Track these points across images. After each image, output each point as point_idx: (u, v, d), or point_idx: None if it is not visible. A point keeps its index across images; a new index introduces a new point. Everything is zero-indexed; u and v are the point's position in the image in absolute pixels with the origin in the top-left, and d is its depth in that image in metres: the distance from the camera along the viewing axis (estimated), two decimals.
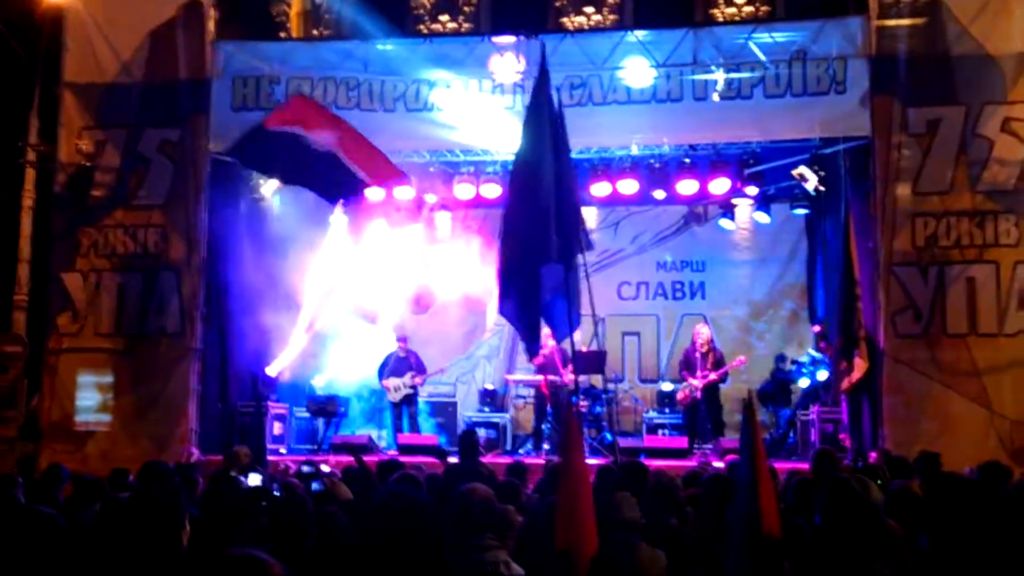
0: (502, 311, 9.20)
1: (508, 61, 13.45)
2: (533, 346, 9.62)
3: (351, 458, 11.89)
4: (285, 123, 11.19)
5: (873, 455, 11.54)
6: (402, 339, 15.35)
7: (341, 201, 13.13)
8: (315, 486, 6.56)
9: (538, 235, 8.66)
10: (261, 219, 15.11)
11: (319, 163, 11.14)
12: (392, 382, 14.92)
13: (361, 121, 13.43)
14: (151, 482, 6.58)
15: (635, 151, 14.67)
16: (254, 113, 13.50)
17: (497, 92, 13.58)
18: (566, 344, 12.95)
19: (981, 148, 12.53)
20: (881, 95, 12.65)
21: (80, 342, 13.62)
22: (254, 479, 8.55)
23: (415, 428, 14.85)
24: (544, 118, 8.98)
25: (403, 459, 11.54)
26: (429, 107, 13.59)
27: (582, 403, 14.58)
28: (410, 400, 14.97)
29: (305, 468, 8.84)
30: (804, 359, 14.92)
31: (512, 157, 14.56)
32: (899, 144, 12.59)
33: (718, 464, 10.96)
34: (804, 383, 14.57)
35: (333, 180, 11.30)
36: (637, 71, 13.27)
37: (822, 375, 14.17)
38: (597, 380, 14.56)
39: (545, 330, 14.20)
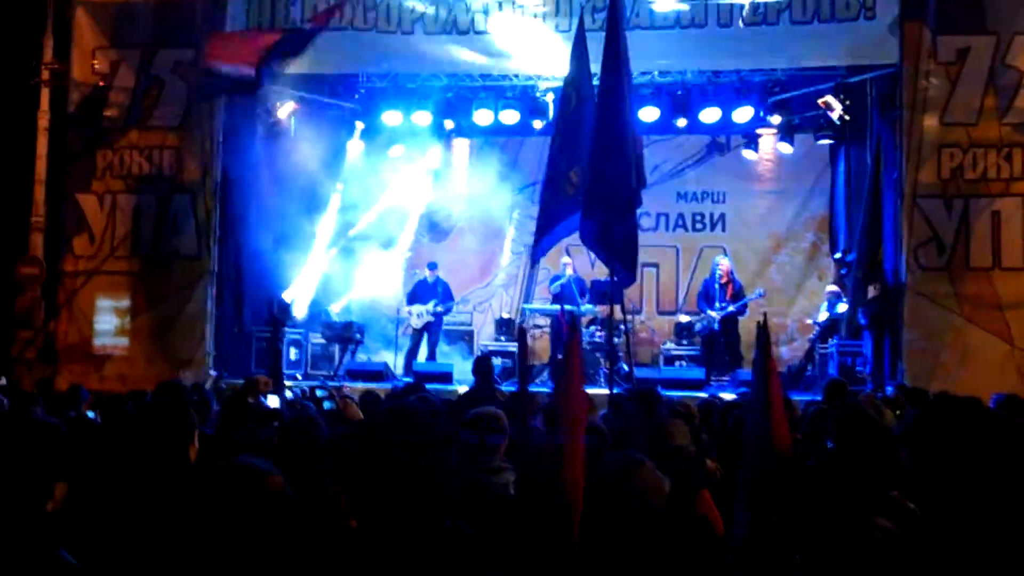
0: (584, 235, 9.02)
1: None
2: (631, 275, 9.42)
3: (366, 385, 12.00)
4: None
5: (890, 389, 11.47)
6: (432, 266, 15.25)
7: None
8: (327, 405, 6.54)
9: (630, 164, 8.59)
10: (277, 142, 14.95)
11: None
12: (415, 308, 14.85)
13: (378, 42, 13.30)
14: (161, 397, 6.57)
15: (657, 78, 14.41)
16: None
17: (519, 12, 13.33)
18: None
19: (1010, 79, 12.27)
20: (911, 21, 12.35)
21: (96, 264, 13.61)
22: (272, 402, 8.57)
23: (433, 356, 14.81)
24: (620, 42, 8.83)
25: None
26: (448, 30, 13.34)
27: (598, 333, 14.57)
28: (430, 328, 14.90)
29: (319, 392, 8.87)
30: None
31: (532, 83, 14.63)
32: (927, 73, 12.33)
33: (727, 396, 10.91)
34: (823, 316, 14.46)
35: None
36: None
37: (842, 308, 14.07)
38: (615, 311, 14.44)
39: (566, 259, 14.31)
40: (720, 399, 9.74)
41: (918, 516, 3.40)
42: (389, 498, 2.89)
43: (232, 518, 2.37)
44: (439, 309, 14.85)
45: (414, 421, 3.05)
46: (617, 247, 8.73)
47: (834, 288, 14.65)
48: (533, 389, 10.31)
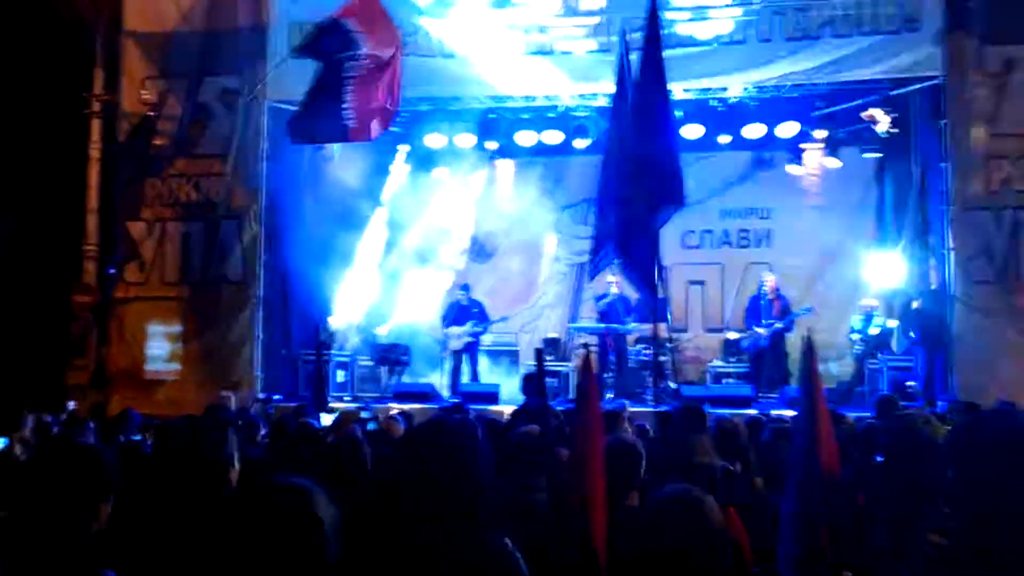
0: (623, 261, 8.87)
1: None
2: (652, 293, 9.20)
3: (413, 406, 12.04)
4: (349, 15, 10.92)
5: (942, 404, 11.29)
6: (465, 288, 15.32)
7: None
8: (371, 426, 6.56)
9: (672, 181, 8.49)
10: (321, 167, 15.07)
11: (333, 86, 10.87)
12: (454, 330, 14.91)
13: (419, 67, 13.40)
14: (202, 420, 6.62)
15: (699, 95, 14.37)
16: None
17: (560, 39, 13.43)
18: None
19: None
20: (956, 32, 12.23)
21: (146, 291, 13.84)
22: (326, 419, 8.64)
23: (475, 377, 14.84)
24: (658, 60, 8.80)
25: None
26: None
27: (645, 351, 14.50)
28: (471, 349, 14.95)
29: (364, 414, 8.92)
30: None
31: (575, 103, 14.64)
32: (974, 83, 12.19)
33: (782, 412, 10.79)
34: (875, 331, 14.28)
35: (324, 116, 11.01)
36: (701, 13, 13.04)
37: (879, 322, 13.99)
38: (661, 328, 14.38)
39: (611, 277, 14.25)
40: (768, 416, 9.63)
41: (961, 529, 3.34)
42: (432, 514, 2.89)
43: (276, 536, 2.38)
44: (478, 329, 14.89)
45: (450, 438, 3.06)
46: (641, 266, 8.67)
47: (871, 302, 14.50)
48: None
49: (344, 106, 10.88)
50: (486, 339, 15.64)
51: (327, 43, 10.95)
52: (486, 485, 3.75)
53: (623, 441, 4.39)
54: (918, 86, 13.13)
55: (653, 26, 9.23)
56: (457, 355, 14.94)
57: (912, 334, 13.06)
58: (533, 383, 9.66)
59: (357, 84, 10.90)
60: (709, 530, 3.10)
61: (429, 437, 3.08)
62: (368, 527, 3.37)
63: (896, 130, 14.11)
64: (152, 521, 3.47)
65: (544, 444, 4.63)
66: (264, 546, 2.35)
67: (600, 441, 3.60)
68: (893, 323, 14.23)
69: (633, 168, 8.61)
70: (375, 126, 11.33)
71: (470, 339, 14.87)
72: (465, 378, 14.79)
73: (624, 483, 4.14)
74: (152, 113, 13.91)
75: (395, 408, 11.75)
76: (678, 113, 13.69)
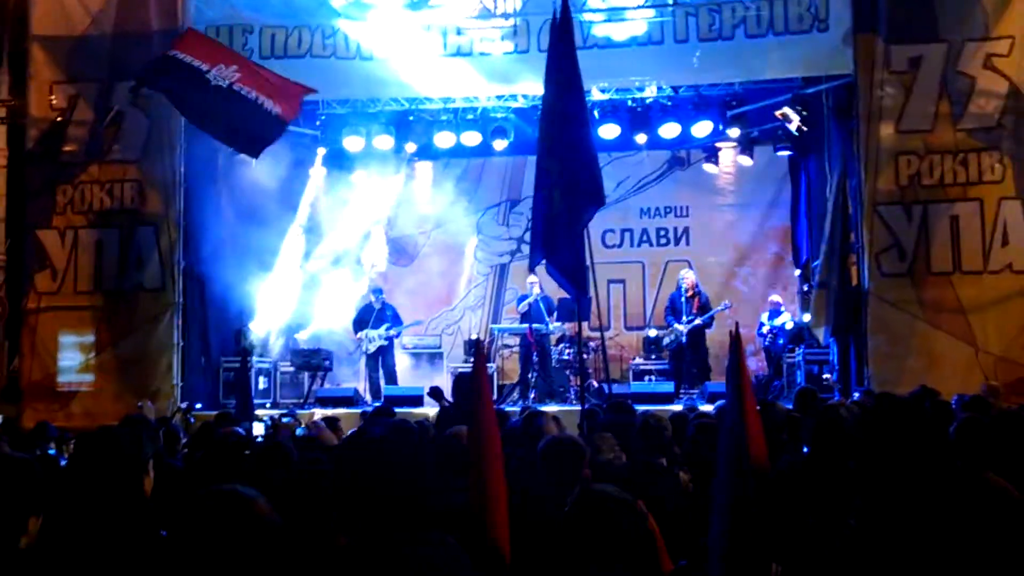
0: (551, 264, 8.85)
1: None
2: (585, 297, 9.19)
3: (337, 410, 11.95)
4: (187, 53, 11.02)
5: (857, 394, 11.57)
6: (377, 291, 15.28)
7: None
8: (299, 431, 6.51)
9: (590, 180, 8.49)
10: (239, 171, 14.85)
11: (228, 108, 10.93)
12: (369, 333, 14.84)
13: (336, 70, 13.33)
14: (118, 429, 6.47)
15: (616, 95, 14.52)
16: None
17: (478, 40, 13.46)
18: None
19: (963, 85, 12.44)
20: (863, 33, 12.55)
21: (59, 300, 13.45)
22: (258, 428, 8.54)
23: (392, 380, 14.77)
24: (572, 61, 8.83)
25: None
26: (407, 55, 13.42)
27: (567, 350, 14.60)
28: (384, 352, 14.90)
29: (285, 419, 8.83)
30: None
31: (493, 104, 14.67)
32: (882, 82, 12.51)
33: (705, 408, 10.96)
34: (789, 325, 14.61)
35: (249, 128, 11.05)
36: (617, 14, 13.17)
37: (785, 318, 14.42)
38: (584, 328, 14.45)
39: (532, 278, 14.29)
40: (695, 410, 9.76)
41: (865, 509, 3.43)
42: (379, 515, 2.86)
43: (222, 546, 2.32)
44: (392, 333, 14.86)
45: (393, 441, 3.05)
46: (568, 265, 8.70)
47: (776, 298, 14.87)
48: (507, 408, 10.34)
49: (260, 103, 10.87)
50: (408, 340, 15.64)
51: (170, 75, 11.09)
52: (428, 486, 3.75)
53: (570, 439, 4.41)
54: (829, 85, 13.45)
55: (566, 27, 9.29)
56: (372, 358, 14.90)
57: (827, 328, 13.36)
58: (465, 384, 9.65)
59: (247, 85, 10.98)
60: (642, 529, 3.15)
61: (373, 440, 3.06)
62: (306, 533, 3.35)
63: (807, 128, 14.43)
64: (72, 535, 3.39)
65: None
66: (216, 556, 2.30)
67: (496, 445, 3.60)
68: (808, 317, 14.55)
69: (554, 168, 8.65)
70: (295, 104, 11.47)
71: (384, 343, 14.83)
72: (381, 381, 14.73)
73: (569, 480, 4.18)
74: (62, 118, 13.53)
75: (319, 413, 11.67)
76: (595, 113, 13.86)
